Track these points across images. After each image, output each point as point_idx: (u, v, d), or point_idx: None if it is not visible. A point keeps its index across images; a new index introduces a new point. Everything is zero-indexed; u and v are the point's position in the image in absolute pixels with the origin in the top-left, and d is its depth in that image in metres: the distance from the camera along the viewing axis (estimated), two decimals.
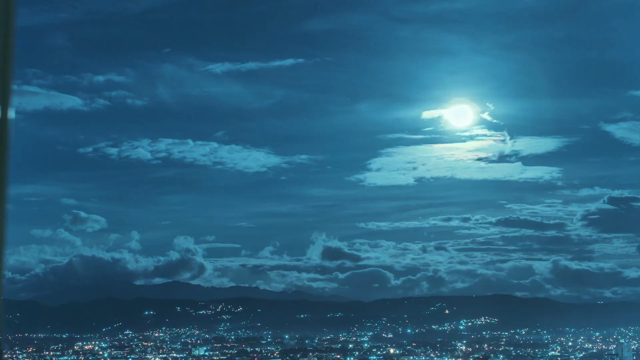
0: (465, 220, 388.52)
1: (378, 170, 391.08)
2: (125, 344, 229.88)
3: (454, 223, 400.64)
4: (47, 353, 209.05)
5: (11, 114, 8.33)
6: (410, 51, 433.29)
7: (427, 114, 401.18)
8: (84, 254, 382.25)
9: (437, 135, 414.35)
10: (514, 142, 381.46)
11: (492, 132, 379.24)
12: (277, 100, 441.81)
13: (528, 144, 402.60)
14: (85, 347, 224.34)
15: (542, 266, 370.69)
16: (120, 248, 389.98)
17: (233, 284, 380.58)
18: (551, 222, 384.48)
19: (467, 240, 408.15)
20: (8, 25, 8.61)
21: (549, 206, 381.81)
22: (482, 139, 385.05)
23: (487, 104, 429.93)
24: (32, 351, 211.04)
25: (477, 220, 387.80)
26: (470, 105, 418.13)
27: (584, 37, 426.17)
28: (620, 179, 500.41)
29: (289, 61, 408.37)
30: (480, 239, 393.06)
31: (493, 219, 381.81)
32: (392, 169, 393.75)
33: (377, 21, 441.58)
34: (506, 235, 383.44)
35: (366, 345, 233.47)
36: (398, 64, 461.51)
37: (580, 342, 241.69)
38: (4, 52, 8.35)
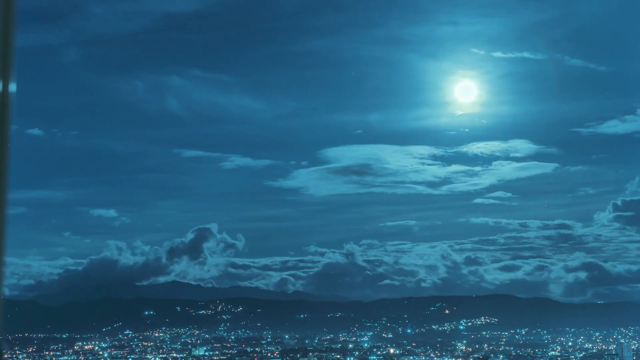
0: (469, 220, 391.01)
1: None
2: (125, 344, 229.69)
3: (455, 223, 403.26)
4: (47, 353, 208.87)
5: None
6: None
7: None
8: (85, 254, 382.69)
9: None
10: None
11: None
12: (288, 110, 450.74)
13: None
14: (85, 347, 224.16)
15: (550, 267, 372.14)
16: (121, 248, 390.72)
17: (233, 284, 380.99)
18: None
19: (474, 239, 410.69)
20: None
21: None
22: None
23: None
24: (32, 351, 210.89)
25: (479, 220, 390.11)
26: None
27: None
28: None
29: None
30: (483, 239, 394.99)
31: (490, 219, 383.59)
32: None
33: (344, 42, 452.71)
34: (509, 235, 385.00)
35: (366, 345, 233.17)
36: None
37: (580, 342, 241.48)
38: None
